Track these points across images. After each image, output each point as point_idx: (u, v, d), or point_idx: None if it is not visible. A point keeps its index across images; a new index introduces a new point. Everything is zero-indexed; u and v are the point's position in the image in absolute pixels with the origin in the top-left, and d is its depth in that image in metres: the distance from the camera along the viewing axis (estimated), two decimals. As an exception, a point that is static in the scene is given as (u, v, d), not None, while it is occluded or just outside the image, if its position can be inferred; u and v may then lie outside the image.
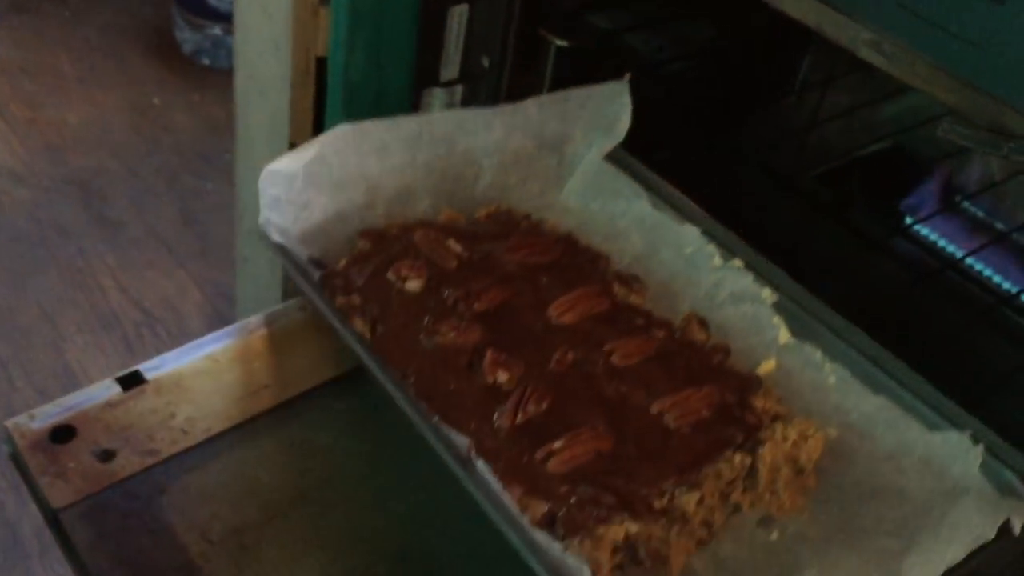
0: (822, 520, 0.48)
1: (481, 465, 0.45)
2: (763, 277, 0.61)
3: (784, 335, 0.57)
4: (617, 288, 0.59)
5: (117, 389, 0.67)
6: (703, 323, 0.58)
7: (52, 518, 0.58)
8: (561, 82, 0.80)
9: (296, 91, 0.76)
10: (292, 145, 0.79)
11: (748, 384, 0.53)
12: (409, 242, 0.58)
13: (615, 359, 0.53)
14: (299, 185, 0.56)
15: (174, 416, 0.66)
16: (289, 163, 0.55)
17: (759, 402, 0.52)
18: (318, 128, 0.78)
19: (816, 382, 0.54)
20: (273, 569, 0.58)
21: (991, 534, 0.45)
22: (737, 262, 0.61)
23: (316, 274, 0.56)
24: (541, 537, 0.42)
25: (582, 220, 0.65)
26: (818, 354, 0.55)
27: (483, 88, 0.78)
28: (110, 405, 0.66)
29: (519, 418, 0.48)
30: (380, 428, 0.70)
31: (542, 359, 0.52)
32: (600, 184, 0.67)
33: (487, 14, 0.75)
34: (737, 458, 0.48)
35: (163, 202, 1.68)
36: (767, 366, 0.56)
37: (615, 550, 0.44)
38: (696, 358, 0.55)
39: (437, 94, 0.79)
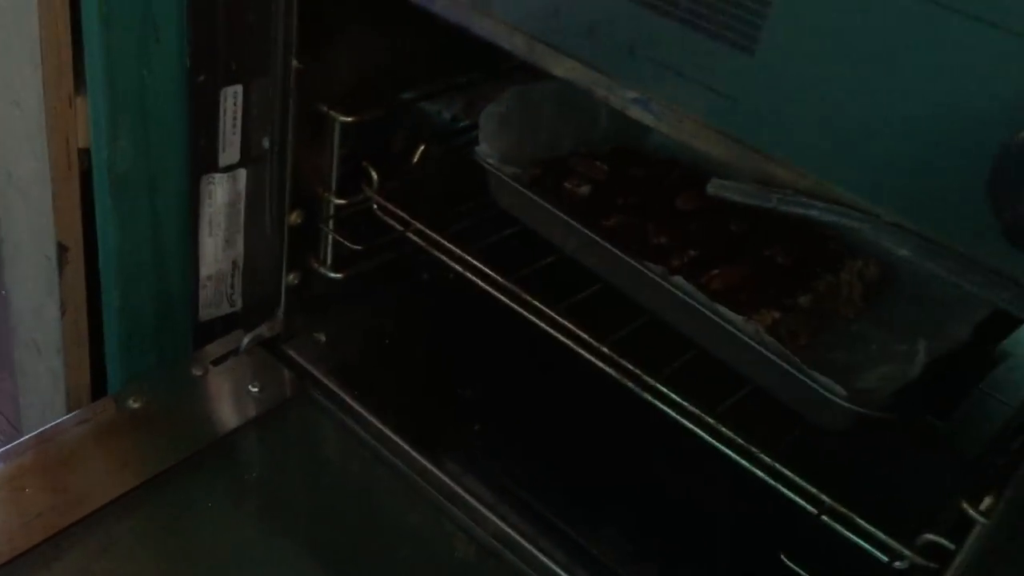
0: (883, 317, 0.74)
1: (676, 278, 0.68)
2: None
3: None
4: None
5: None
6: None
7: None
8: (350, 157, 0.78)
9: (59, 187, 0.70)
10: (60, 245, 0.73)
11: (817, 232, 0.79)
12: (566, 165, 0.83)
13: (732, 226, 0.79)
14: (497, 124, 0.79)
15: (-72, 564, 0.58)
16: (494, 107, 0.80)
17: (831, 245, 0.79)
18: (89, 225, 0.72)
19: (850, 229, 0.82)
20: None
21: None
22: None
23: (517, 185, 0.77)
24: (724, 310, 0.66)
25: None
26: (851, 214, 0.84)
27: (268, 169, 0.75)
28: None
29: (685, 259, 0.74)
30: (179, 547, 0.64)
31: (682, 230, 0.77)
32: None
33: (263, 93, 0.72)
34: (828, 277, 0.75)
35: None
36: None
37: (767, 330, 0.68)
38: (775, 219, 0.77)
39: (218, 180, 0.75)
